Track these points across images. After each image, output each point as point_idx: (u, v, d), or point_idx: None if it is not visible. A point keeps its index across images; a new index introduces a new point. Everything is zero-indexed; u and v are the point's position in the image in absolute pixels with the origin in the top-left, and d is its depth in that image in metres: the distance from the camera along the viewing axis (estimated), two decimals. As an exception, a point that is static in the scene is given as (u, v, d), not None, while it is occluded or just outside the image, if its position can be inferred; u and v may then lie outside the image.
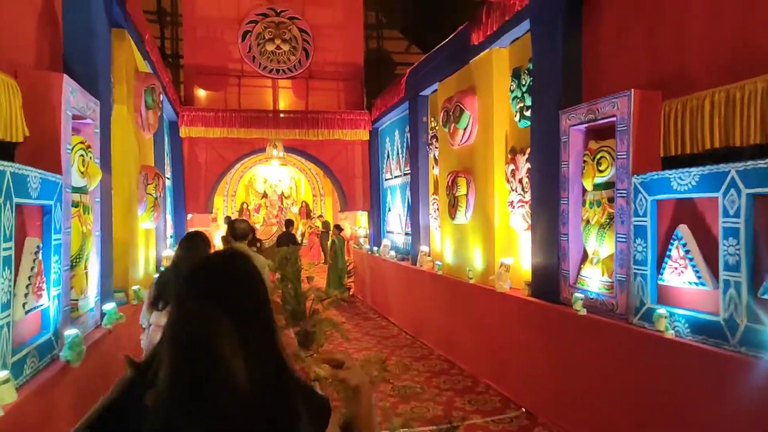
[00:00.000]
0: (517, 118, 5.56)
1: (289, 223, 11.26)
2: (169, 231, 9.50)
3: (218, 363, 0.99)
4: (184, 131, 10.43)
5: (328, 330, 7.14)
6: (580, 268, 4.47)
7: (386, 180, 11.08)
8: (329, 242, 12.15)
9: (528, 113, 5.33)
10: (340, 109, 11.39)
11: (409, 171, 9.31)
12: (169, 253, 7.41)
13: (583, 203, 4.38)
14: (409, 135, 9.29)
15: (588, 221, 4.29)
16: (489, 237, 6.03)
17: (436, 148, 7.88)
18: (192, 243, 3.23)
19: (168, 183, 9.96)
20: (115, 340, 3.87)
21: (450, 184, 6.59)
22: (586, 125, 4.36)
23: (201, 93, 11.15)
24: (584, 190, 4.41)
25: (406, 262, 9.14)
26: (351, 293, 12.12)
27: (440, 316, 7.06)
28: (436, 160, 7.94)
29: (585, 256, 4.46)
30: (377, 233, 11.54)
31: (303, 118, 10.93)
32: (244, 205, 21.61)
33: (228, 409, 0.98)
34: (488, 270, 6.01)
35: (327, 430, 1.11)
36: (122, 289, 5.05)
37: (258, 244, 10.16)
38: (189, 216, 13.79)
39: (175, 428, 0.98)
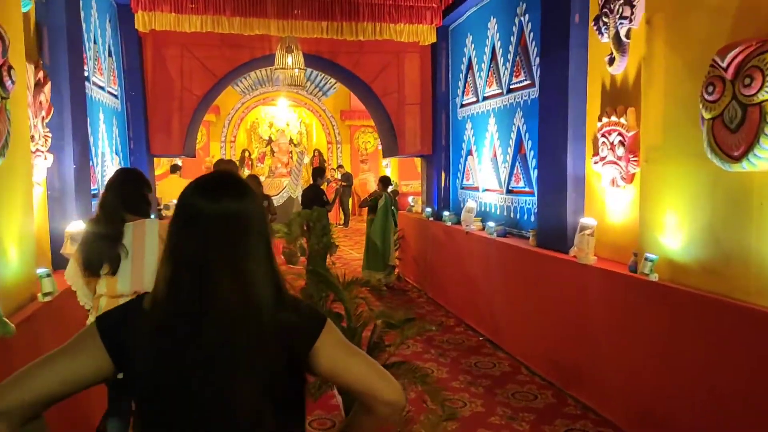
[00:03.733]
0: None
1: (319, 172, 7.47)
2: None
3: (214, 279, 1.09)
4: (141, 20, 6.32)
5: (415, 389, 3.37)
6: None
7: (463, 106, 7.06)
8: (368, 202, 8.30)
9: None
10: (391, -8, 7.20)
11: (528, 81, 5.32)
12: (81, 228, 3.63)
13: None
14: (526, 17, 5.23)
15: None
16: None
17: (623, 19, 3.86)
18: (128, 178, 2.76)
19: (115, 104, 6.02)
20: None
21: (731, 73, 2.65)
22: None
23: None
24: None
25: (514, 239, 5.34)
26: (396, 273, 8.42)
27: (669, 380, 3.23)
28: (619, 42, 3.92)
29: None
30: (443, 190, 7.62)
31: (333, 4, 6.80)
32: (246, 153, 17.94)
33: (220, 321, 1.08)
34: None
35: (322, 337, 1.17)
36: None
37: (266, 203, 6.51)
38: (178, 161, 10.03)
39: (169, 327, 1.09)
